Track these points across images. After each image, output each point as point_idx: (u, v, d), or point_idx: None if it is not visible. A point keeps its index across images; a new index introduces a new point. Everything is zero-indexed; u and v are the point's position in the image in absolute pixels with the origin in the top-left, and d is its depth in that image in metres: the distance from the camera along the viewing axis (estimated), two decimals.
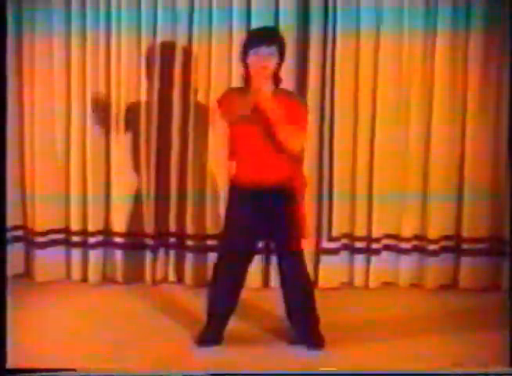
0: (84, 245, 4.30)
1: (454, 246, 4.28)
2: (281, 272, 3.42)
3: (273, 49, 3.15)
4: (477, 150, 4.18)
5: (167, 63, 4.12)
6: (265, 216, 3.28)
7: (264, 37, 3.19)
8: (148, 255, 4.27)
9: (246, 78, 3.24)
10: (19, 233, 4.33)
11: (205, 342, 3.38)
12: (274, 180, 3.22)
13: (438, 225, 4.25)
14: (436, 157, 4.20)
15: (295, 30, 4.08)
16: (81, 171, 4.23)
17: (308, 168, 4.17)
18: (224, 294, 3.38)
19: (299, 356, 3.30)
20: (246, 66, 3.21)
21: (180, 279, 4.31)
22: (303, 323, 3.42)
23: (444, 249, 4.27)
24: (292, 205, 3.28)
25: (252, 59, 3.15)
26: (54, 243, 4.32)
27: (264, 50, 3.13)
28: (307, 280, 3.46)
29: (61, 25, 4.11)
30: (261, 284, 4.25)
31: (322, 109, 4.14)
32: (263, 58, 3.14)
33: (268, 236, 3.50)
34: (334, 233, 4.24)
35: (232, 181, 3.34)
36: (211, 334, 3.41)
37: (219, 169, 4.03)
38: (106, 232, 4.30)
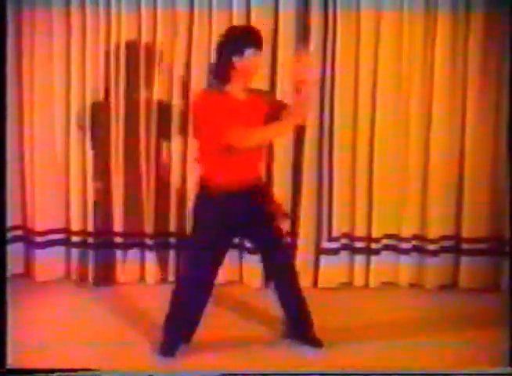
0: (83, 245, 4.30)
1: (454, 246, 4.28)
2: (268, 271, 3.40)
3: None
4: (477, 149, 4.18)
5: (167, 61, 4.14)
6: (241, 216, 3.21)
7: (260, 39, 3.14)
8: (148, 255, 4.27)
9: (228, 77, 3.13)
10: (19, 233, 4.33)
11: (173, 351, 3.29)
12: (247, 180, 3.18)
13: (437, 225, 4.25)
14: (436, 157, 4.20)
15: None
16: (80, 172, 4.23)
17: (308, 167, 4.19)
18: (198, 297, 3.29)
19: (299, 356, 3.30)
20: (231, 65, 3.10)
21: None
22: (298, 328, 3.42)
23: (444, 249, 4.27)
24: (266, 203, 3.29)
25: (246, 59, 3.08)
26: (54, 243, 4.32)
27: (259, 53, 3.12)
28: (294, 275, 3.42)
29: (61, 25, 4.13)
30: (261, 284, 4.25)
31: (321, 108, 4.14)
32: (258, 61, 3.13)
33: (244, 236, 3.42)
34: (334, 233, 4.24)
35: (204, 183, 3.22)
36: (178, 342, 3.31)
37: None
38: (106, 232, 4.30)
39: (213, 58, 4.00)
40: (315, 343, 3.38)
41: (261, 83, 4.05)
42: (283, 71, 4.08)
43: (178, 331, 3.30)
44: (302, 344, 3.38)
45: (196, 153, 3.28)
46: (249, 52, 3.08)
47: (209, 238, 3.19)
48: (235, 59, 3.08)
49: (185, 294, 3.27)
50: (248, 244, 4.07)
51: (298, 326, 3.42)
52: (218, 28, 4.02)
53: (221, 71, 3.13)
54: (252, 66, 3.13)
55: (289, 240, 3.53)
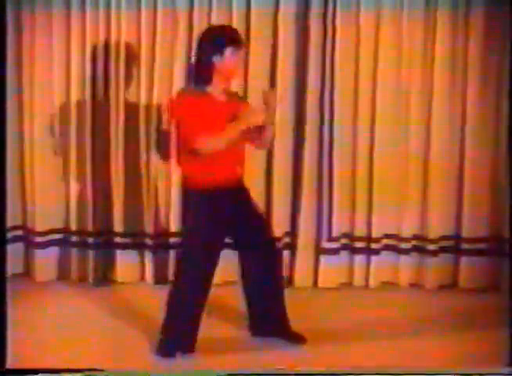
0: (83, 245, 4.30)
1: (454, 246, 4.28)
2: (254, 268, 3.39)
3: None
4: (477, 149, 4.18)
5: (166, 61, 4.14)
6: (227, 215, 3.22)
7: (239, 38, 3.15)
8: (148, 255, 4.28)
9: (209, 78, 3.11)
10: (19, 233, 4.34)
11: (172, 351, 3.28)
12: (229, 179, 3.19)
13: (437, 226, 4.25)
14: (436, 157, 4.20)
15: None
16: (80, 171, 4.23)
17: (309, 168, 4.19)
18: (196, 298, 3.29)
19: (299, 356, 3.30)
20: (211, 65, 3.09)
21: None
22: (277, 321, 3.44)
23: (443, 249, 4.27)
24: (250, 203, 3.34)
25: (226, 59, 3.07)
26: (54, 243, 4.32)
27: (238, 52, 3.12)
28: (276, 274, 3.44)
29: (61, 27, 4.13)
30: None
31: (321, 108, 4.14)
32: (238, 60, 3.14)
33: (231, 234, 3.38)
34: (334, 233, 4.24)
35: (186, 184, 3.25)
36: (179, 341, 3.30)
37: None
38: (106, 232, 4.30)
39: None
40: (297, 339, 3.40)
41: (260, 83, 4.08)
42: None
43: (176, 332, 3.29)
44: (284, 340, 3.39)
45: (175, 154, 3.27)
46: (229, 52, 3.08)
47: (200, 238, 3.20)
48: (215, 59, 3.08)
49: (181, 295, 3.27)
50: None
51: (265, 321, 3.43)
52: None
53: (202, 72, 3.12)
54: (232, 66, 3.13)
55: (272, 238, 3.56)
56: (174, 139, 3.35)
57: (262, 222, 3.46)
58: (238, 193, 3.27)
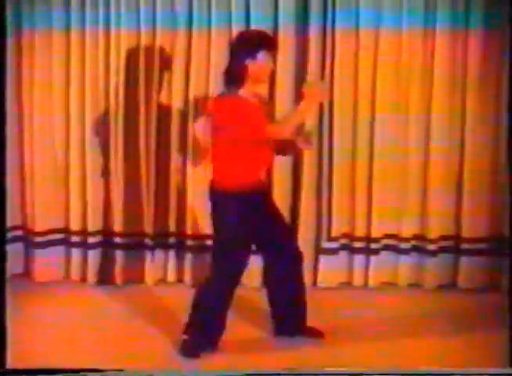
0: (83, 245, 4.30)
1: (453, 246, 4.28)
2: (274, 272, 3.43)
3: None
4: (477, 150, 4.18)
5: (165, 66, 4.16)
6: (253, 217, 3.25)
7: (273, 43, 3.18)
8: (148, 255, 4.28)
9: (241, 80, 3.14)
10: (19, 233, 4.34)
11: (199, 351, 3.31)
12: (254, 183, 3.22)
13: (437, 225, 4.25)
14: (436, 158, 4.20)
15: (294, 30, 4.08)
16: (80, 172, 4.24)
17: (308, 167, 4.19)
18: (223, 297, 3.32)
19: (299, 356, 3.30)
20: (244, 68, 3.11)
21: (180, 279, 4.32)
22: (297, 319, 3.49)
23: (443, 249, 4.27)
24: (274, 205, 3.38)
25: (258, 62, 3.09)
26: (54, 243, 4.32)
27: (271, 57, 3.15)
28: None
29: (61, 23, 4.13)
30: (260, 284, 4.25)
31: (321, 108, 4.14)
32: (270, 64, 3.16)
33: (257, 237, 3.40)
34: (334, 233, 4.24)
35: (215, 185, 3.26)
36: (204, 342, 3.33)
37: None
38: (106, 232, 4.30)
39: (214, 64, 4.03)
40: (314, 334, 3.45)
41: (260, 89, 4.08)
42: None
43: (203, 332, 3.30)
44: (301, 336, 3.44)
45: (211, 154, 3.30)
46: (262, 55, 3.10)
47: (228, 236, 3.23)
48: (248, 62, 3.09)
49: (213, 293, 3.29)
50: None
51: (289, 321, 3.48)
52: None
53: (234, 75, 3.13)
54: (264, 70, 3.15)
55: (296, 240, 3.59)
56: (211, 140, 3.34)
57: (285, 225, 3.48)
58: (262, 197, 3.30)
